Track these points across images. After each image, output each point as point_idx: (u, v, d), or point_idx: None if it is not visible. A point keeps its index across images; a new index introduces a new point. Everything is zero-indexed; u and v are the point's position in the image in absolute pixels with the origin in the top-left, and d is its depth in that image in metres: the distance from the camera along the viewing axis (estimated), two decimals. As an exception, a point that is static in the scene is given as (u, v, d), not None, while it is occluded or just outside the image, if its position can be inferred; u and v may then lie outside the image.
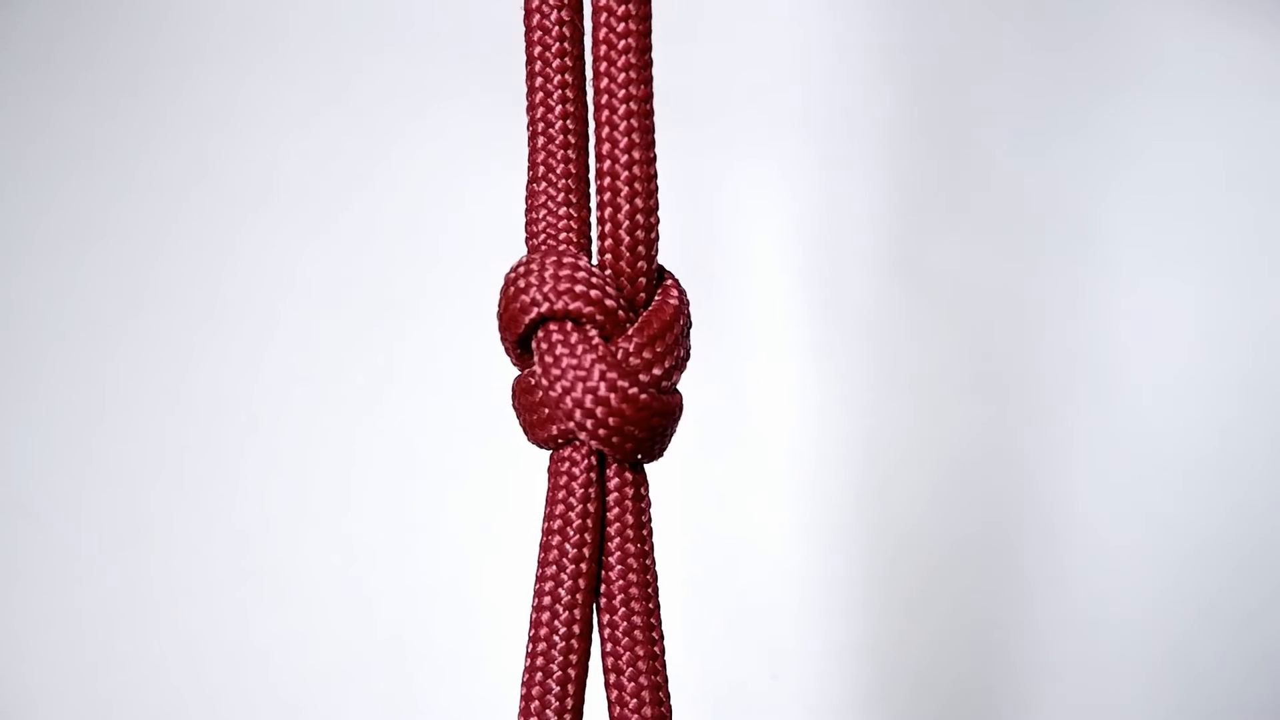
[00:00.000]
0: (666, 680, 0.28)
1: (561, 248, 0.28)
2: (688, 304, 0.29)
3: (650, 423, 0.27)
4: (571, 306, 0.27)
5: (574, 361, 0.27)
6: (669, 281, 0.29)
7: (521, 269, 0.28)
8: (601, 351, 0.27)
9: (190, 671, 0.56)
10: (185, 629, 0.56)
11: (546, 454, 0.29)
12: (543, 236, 0.28)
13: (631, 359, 0.27)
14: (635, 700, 0.28)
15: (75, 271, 0.57)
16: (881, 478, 0.56)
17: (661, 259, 0.29)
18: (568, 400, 0.27)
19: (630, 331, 0.27)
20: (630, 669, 0.28)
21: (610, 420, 0.27)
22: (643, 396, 0.27)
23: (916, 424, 0.56)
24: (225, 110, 0.57)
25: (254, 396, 0.57)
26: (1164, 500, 0.55)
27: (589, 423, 0.27)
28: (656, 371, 0.27)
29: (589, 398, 0.27)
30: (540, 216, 0.28)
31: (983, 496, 0.56)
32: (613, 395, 0.27)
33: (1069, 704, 0.55)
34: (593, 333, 0.27)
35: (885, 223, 0.56)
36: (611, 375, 0.27)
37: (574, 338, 0.27)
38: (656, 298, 0.28)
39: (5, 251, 0.57)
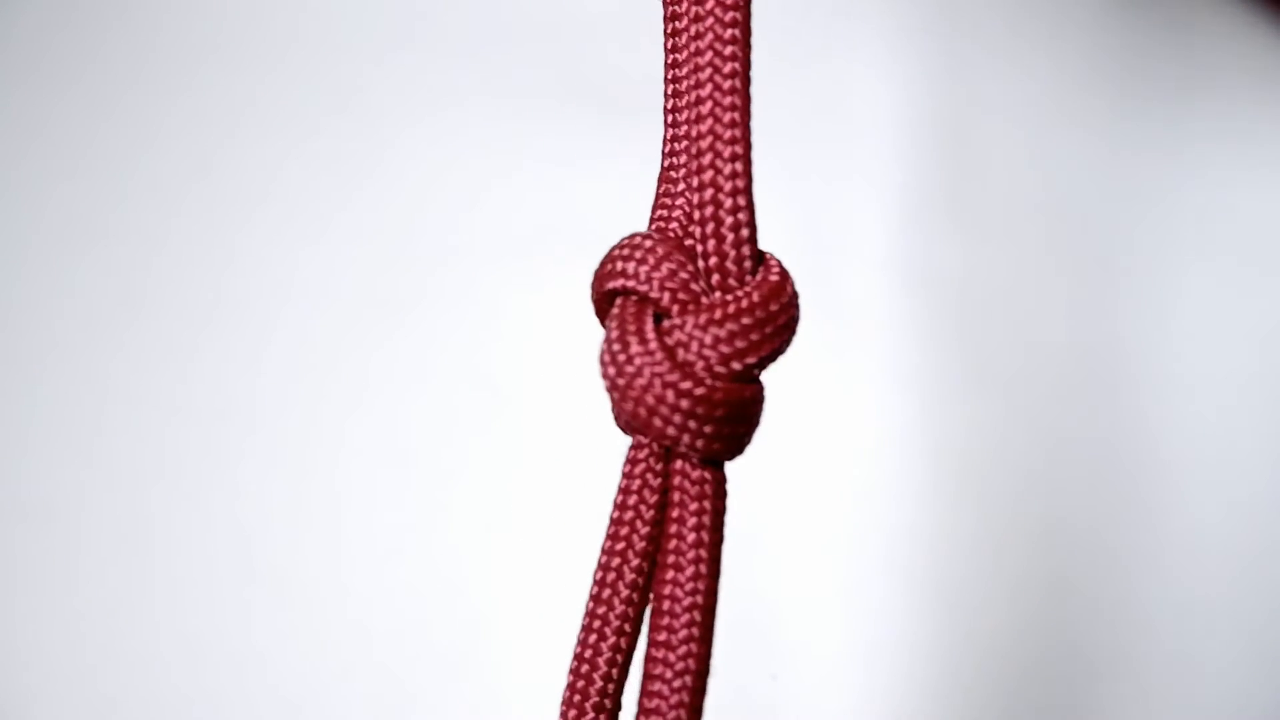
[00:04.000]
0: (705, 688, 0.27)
1: (672, 226, 0.26)
2: (793, 293, 0.26)
3: (723, 416, 0.25)
4: (653, 289, 0.25)
5: (642, 349, 0.24)
6: (771, 264, 0.26)
7: (626, 242, 0.26)
8: (676, 338, 0.25)
9: (190, 671, 0.55)
10: (185, 629, 0.56)
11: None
12: (659, 212, 0.27)
13: (708, 350, 0.25)
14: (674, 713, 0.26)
15: (75, 271, 0.57)
16: (882, 474, 0.56)
17: None
18: (635, 386, 0.24)
19: (712, 318, 0.25)
20: (675, 678, 0.26)
21: (676, 416, 0.24)
22: (718, 389, 0.24)
23: (917, 421, 0.56)
24: (227, 109, 0.57)
25: (255, 396, 0.57)
26: (1167, 499, 0.55)
27: (659, 415, 0.24)
28: (736, 365, 0.25)
29: (658, 384, 0.24)
30: (661, 193, 0.27)
31: (984, 494, 0.56)
32: (682, 387, 0.24)
33: (1071, 704, 0.55)
34: (679, 319, 0.25)
35: (887, 220, 0.56)
36: (689, 361, 0.24)
37: (647, 320, 0.25)
38: (754, 279, 0.26)
39: (5, 251, 0.57)
